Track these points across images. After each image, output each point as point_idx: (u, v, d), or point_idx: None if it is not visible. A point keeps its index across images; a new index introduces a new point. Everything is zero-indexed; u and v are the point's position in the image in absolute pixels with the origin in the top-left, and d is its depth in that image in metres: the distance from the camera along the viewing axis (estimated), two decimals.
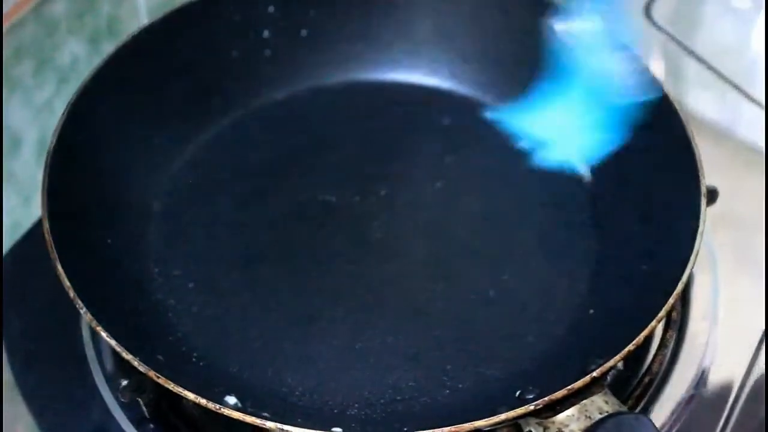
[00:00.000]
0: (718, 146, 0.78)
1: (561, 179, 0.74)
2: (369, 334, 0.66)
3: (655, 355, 0.67)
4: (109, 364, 0.66)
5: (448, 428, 0.54)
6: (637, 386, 0.66)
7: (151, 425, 0.63)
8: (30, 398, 0.66)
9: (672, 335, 0.68)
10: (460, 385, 0.63)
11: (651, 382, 0.66)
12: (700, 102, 0.82)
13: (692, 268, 0.60)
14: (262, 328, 0.66)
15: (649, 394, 0.66)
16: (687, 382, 0.67)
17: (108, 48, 0.82)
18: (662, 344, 0.67)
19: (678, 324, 0.69)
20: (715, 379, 0.67)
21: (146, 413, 0.63)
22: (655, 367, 0.66)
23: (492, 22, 0.78)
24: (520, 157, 0.75)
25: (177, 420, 0.63)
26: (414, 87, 0.80)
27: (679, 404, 0.66)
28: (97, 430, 0.63)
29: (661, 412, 0.65)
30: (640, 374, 0.66)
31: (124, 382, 0.59)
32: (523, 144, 0.75)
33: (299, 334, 0.66)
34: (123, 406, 0.64)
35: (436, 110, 0.79)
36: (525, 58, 0.76)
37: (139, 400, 0.61)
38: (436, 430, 0.53)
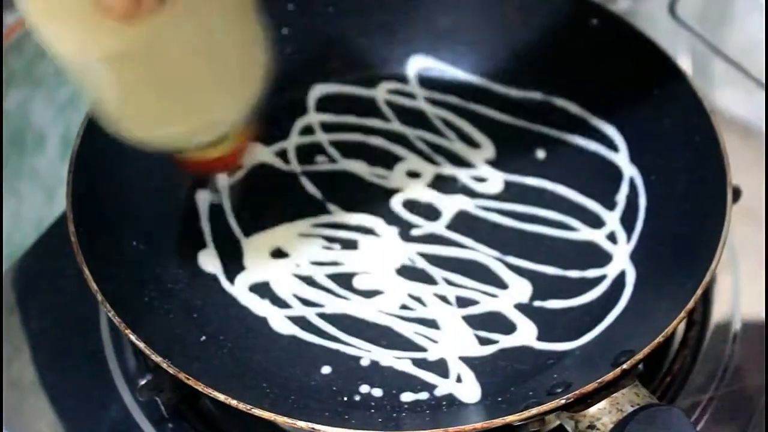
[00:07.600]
0: (744, 144, 0.77)
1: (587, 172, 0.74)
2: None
3: (676, 355, 0.67)
4: (129, 363, 0.66)
5: (480, 424, 0.53)
6: (657, 387, 0.65)
7: (170, 424, 0.63)
8: (53, 395, 0.66)
9: (693, 335, 0.68)
10: (488, 380, 0.63)
11: (672, 382, 0.66)
12: (726, 100, 0.81)
13: (718, 261, 0.60)
14: None
15: (669, 394, 0.65)
16: (708, 382, 0.66)
17: None
18: (683, 344, 0.67)
19: (699, 324, 0.69)
20: (736, 378, 0.67)
21: (165, 412, 0.63)
22: (676, 368, 0.66)
23: (511, 16, 0.78)
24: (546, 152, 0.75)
25: (195, 419, 0.63)
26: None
27: (700, 405, 0.65)
28: (116, 429, 0.64)
29: None
30: (661, 375, 0.66)
31: (143, 382, 0.59)
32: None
33: None
34: (142, 405, 0.64)
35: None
36: (545, 50, 0.77)
37: (158, 399, 0.61)
38: (467, 426, 0.53)
